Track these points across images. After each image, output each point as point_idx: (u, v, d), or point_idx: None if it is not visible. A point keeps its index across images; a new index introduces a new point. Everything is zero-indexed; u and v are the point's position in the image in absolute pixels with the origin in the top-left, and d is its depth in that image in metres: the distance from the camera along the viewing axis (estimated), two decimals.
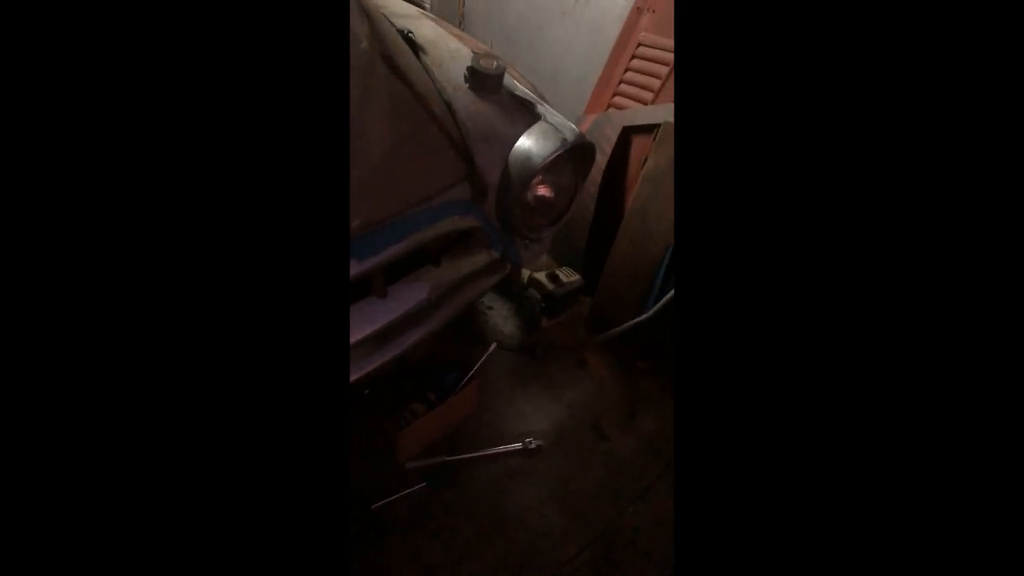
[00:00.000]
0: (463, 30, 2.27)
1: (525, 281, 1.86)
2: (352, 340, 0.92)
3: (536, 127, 1.08)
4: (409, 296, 1.00)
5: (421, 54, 1.18)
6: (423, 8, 1.51)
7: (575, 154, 1.09)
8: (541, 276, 1.85)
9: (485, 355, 1.52)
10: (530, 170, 1.05)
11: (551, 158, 1.04)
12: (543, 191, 1.16)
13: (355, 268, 0.86)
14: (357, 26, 1.00)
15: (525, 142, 1.07)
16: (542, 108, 1.12)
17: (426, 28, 1.26)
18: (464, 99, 1.11)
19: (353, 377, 0.97)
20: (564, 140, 1.05)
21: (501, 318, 1.88)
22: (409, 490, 1.30)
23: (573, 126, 1.09)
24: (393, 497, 1.28)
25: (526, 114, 1.11)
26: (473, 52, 1.16)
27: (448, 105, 1.10)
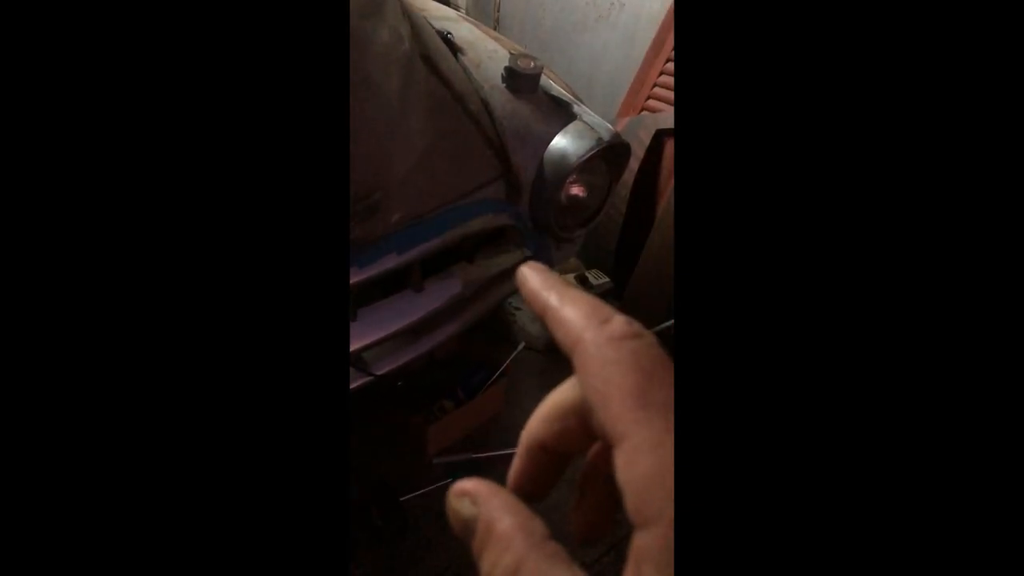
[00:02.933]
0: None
1: None
2: (388, 332, 0.94)
3: (572, 126, 1.09)
4: (444, 290, 1.02)
5: (459, 55, 1.20)
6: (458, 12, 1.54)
7: (610, 153, 1.10)
8: (569, 278, 1.85)
9: (512, 355, 1.52)
10: (565, 169, 1.06)
11: (586, 157, 1.05)
12: (577, 190, 1.16)
13: (394, 261, 0.88)
14: (399, 26, 1.03)
15: (560, 141, 1.08)
16: (578, 108, 1.13)
17: (464, 30, 1.28)
18: (501, 98, 1.12)
19: (387, 369, 0.99)
20: (600, 139, 1.06)
21: (528, 319, 1.89)
22: (437, 484, 1.31)
23: (609, 125, 1.09)
24: (421, 491, 1.29)
25: (562, 114, 1.12)
26: (511, 53, 1.17)
27: (485, 104, 1.12)
